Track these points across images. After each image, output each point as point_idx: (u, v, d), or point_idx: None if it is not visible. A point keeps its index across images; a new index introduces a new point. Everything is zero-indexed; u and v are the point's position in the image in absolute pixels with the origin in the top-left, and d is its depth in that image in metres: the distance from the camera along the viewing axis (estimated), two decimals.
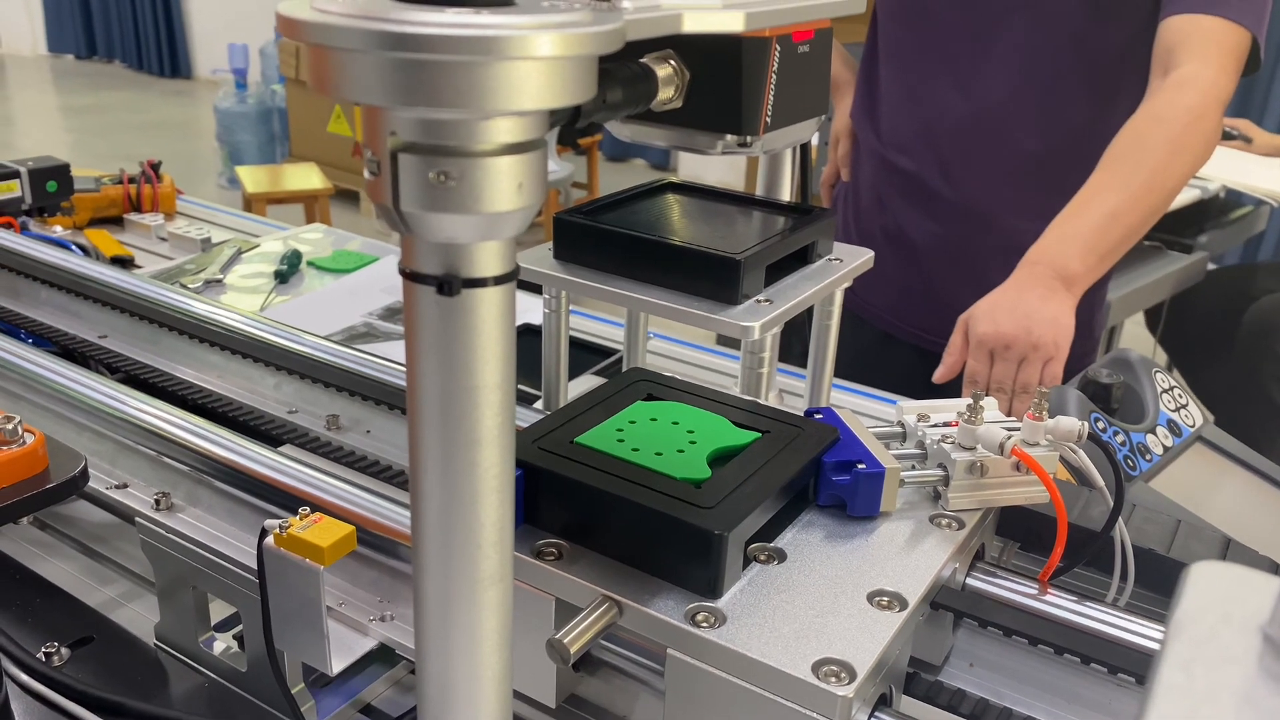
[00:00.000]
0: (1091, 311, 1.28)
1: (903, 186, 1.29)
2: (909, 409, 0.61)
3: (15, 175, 1.27)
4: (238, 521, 0.63)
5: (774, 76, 0.40)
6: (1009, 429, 0.54)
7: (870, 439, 0.55)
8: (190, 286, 1.25)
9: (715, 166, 5.32)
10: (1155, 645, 0.47)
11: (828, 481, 0.52)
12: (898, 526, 0.51)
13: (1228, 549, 0.63)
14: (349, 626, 0.54)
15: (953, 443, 0.55)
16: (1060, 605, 0.50)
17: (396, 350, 1.13)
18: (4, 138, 5.70)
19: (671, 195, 0.79)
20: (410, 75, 0.26)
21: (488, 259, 0.30)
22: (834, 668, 0.40)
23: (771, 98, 0.42)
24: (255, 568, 0.57)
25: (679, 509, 0.45)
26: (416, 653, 0.35)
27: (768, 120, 0.43)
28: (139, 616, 0.73)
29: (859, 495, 0.51)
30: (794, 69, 0.42)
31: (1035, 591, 0.51)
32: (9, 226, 1.16)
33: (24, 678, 0.63)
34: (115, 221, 1.47)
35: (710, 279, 0.65)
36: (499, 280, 0.31)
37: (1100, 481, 0.55)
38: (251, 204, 3.32)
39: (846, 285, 0.75)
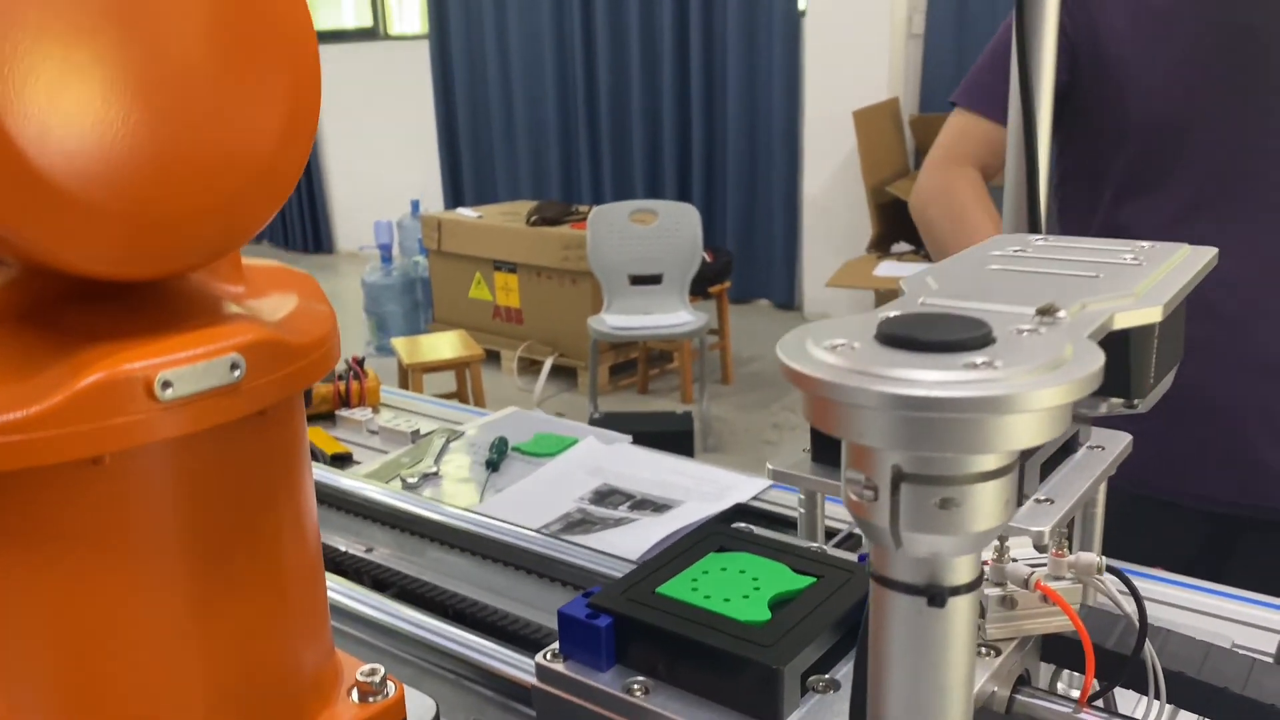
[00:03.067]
0: None
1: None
2: None
3: None
4: None
5: (1156, 344, 0.43)
6: (1034, 565, 0.59)
7: None
8: (409, 480, 1.32)
9: (842, 304, 5.35)
10: None
11: None
12: None
13: None
14: None
15: (986, 580, 0.59)
16: None
17: (613, 539, 1.16)
18: None
19: None
20: (915, 428, 0.29)
21: (965, 569, 0.32)
22: None
23: (1154, 363, 0.44)
24: None
25: (743, 648, 0.53)
26: None
27: (1151, 382, 0.46)
28: None
29: None
30: (1169, 331, 0.44)
31: (1071, 710, 0.56)
32: None
33: None
34: (327, 418, 1.57)
35: None
36: (970, 588, 0.33)
37: (1127, 608, 0.59)
38: (409, 374, 3.49)
39: (1112, 474, 0.75)
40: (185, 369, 0.41)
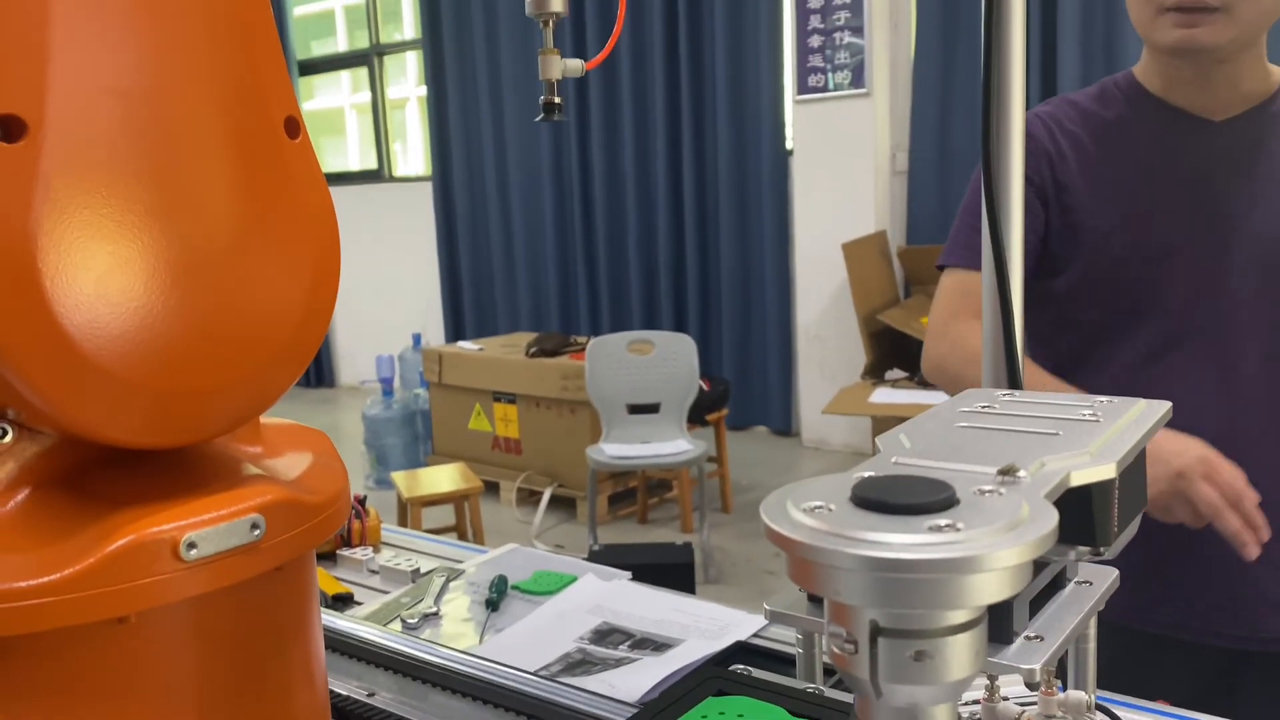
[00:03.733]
0: None
1: None
2: None
3: None
4: None
5: (1117, 495, 0.46)
6: (1024, 704, 0.60)
7: None
8: (410, 621, 1.32)
9: (839, 430, 5.38)
10: None
11: None
12: None
13: None
14: None
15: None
16: None
17: (614, 680, 1.15)
18: None
19: None
20: (887, 586, 0.32)
21: (942, 718, 0.34)
22: None
23: (1116, 514, 0.47)
24: None
25: None
26: None
27: (1115, 531, 0.48)
28: None
29: None
30: (1129, 482, 0.47)
31: None
32: None
33: None
34: (329, 557, 1.58)
35: None
36: None
37: None
38: (408, 508, 3.48)
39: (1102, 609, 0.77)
40: (209, 530, 0.43)
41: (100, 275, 0.41)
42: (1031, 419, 0.48)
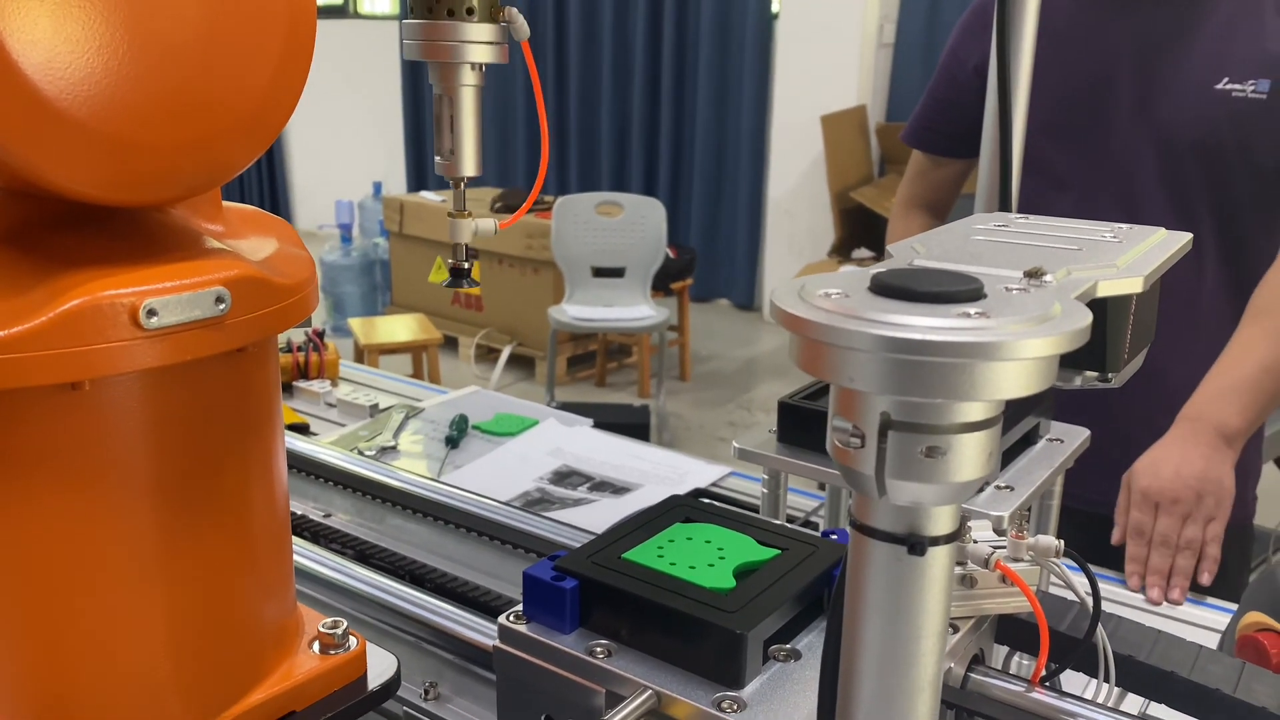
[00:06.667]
0: (1246, 461, 1.26)
1: None
2: None
3: None
4: None
5: (1132, 319, 0.44)
6: (995, 546, 0.60)
7: None
8: (367, 453, 1.31)
9: None
10: None
11: None
12: None
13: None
14: None
15: None
16: (1044, 702, 0.57)
17: (572, 519, 1.16)
18: None
19: None
20: (906, 372, 0.30)
21: (945, 520, 0.33)
22: None
23: (1129, 337, 0.45)
24: None
25: (707, 613, 0.54)
26: None
27: (1125, 357, 0.47)
28: None
29: None
30: (1144, 309, 0.46)
31: (1023, 689, 0.59)
32: None
33: None
34: (284, 389, 1.55)
35: None
36: (949, 539, 0.33)
37: (1081, 592, 0.61)
38: (365, 354, 3.45)
39: (1070, 466, 0.77)
40: (171, 298, 0.40)
41: (55, 9, 0.37)
42: (1050, 236, 0.46)
